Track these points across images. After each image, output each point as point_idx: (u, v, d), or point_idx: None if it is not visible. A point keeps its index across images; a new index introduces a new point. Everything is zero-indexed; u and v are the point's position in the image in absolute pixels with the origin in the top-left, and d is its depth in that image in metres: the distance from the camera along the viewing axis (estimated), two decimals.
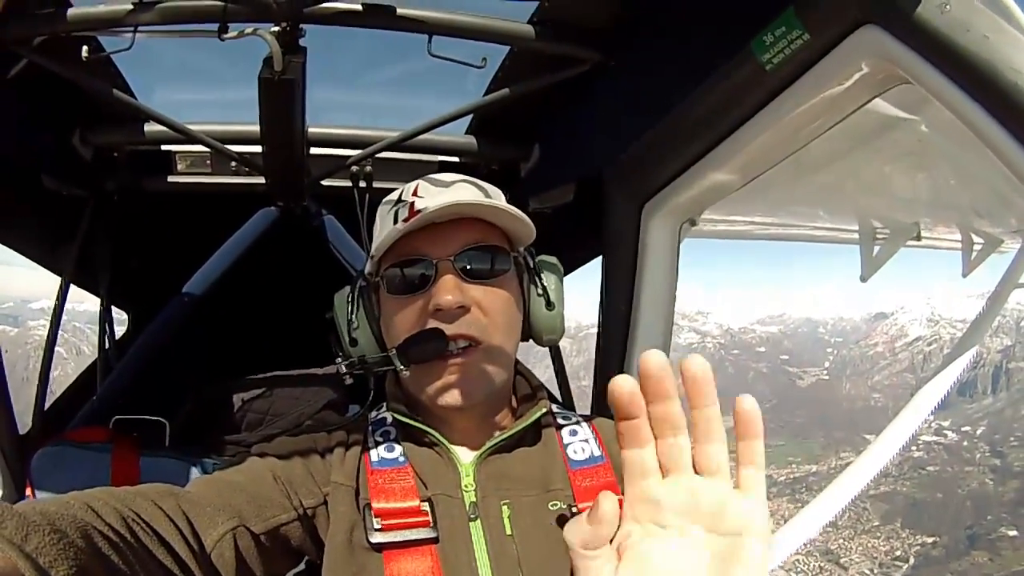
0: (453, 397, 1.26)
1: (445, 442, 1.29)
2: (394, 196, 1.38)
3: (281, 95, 1.80)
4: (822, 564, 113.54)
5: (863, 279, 3.08)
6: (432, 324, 1.24)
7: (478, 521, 1.21)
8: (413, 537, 1.18)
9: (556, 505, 1.26)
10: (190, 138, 2.26)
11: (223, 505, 1.14)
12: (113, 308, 3.02)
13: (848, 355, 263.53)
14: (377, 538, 1.17)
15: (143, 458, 2.23)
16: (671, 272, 2.26)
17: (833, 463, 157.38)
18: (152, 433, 2.36)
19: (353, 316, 1.38)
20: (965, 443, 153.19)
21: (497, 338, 1.29)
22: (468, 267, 1.26)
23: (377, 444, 1.31)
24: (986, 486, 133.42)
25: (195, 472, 2.21)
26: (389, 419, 1.37)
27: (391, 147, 2.35)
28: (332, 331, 1.42)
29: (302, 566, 1.30)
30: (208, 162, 2.59)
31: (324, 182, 2.50)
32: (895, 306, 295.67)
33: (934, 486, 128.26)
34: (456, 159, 2.61)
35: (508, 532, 1.22)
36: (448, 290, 1.22)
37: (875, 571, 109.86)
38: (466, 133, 2.59)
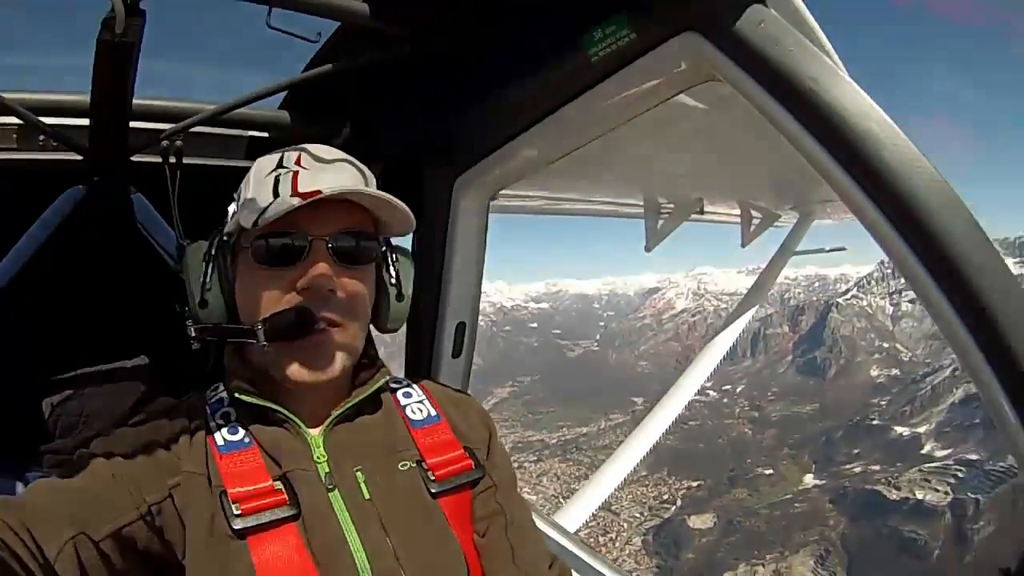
0: (311, 375, 1.27)
1: (293, 417, 1.29)
2: (271, 159, 1.35)
3: (118, 59, 1.72)
4: (595, 512, 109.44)
5: (647, 249, 3.89)
6: (298, 301, 1.24)
7: (336, 491, 1.23)
8: (273, 517, 1.17)
9: (406, 465, 1.33)
10: None
11: (61, 514, 1.09)
12: None
13: (618, 328, 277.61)
14: (239, 524, 1.14)
15: None
16: (480, 244, 2.48)
17: (602, 424, 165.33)
18: None
19: (208, 277, 1.32)
20: (725, 400, 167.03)
21: (356, 322, 1.32)
22: (341, 250, 1.27)
23: (219, 427, 1.28)
24: (745, 435, 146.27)
25: (19, 488, 2.03)
26: (227, 399, 1.33)
27: (205, 121, 2.26)
28: (179, 287, 1.37)
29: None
30: (15, 136, 2.33)
31: (140, 158, 2.34)
32: (663, 281, 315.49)
33: (697, 438, 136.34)
34: (266, 134, 2.53)
35: (367, 496, 1.25)
36: (322, 270, 1.23)
37: (645, 514, 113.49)
38: (279, 108, 2.53)
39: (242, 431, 1.27)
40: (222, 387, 1.37)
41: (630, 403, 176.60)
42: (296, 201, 1.19)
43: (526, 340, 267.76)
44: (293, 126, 2.44)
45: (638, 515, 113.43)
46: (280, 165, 1.32)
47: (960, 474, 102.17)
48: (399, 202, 1.28)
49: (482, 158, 2.27)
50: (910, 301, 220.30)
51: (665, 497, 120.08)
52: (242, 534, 1.14)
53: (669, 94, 1.80)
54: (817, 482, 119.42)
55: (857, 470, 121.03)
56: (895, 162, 1.35)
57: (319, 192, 1.20)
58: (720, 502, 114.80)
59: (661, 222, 3.85)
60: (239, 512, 1.15)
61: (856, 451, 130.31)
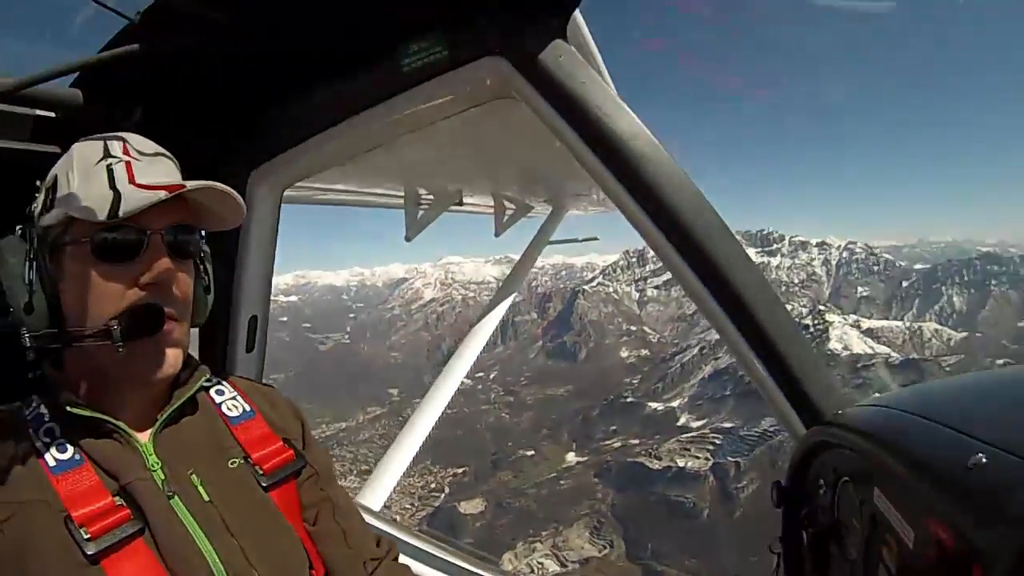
0: (160, 373, 1.23)
1: (121, 425, 1.23)
2: (92, 147, 1.28)
3: None
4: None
5: (407, 239, 4.12)
6: (139, 297, 1.19)
7: (176, 497, 1.19)
8: (123, 535, 1.11)
9: (235, 462, 1.32)
10: None
11: None
12: None
13: (368, 319, 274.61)
14: (91, 548, 1.08)
15: None
16: (272, 237, 2.49)
17: (361, 418, 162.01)
18: None
19: (31, 277, 1.21)
20: (480, 387, 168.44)
21: (187, 316, 1.29)
22: (175, 243, 1.23)
23: (47, 446, 1.18)
24: (503, 420, 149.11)
25: None
26: (47, 413, 1.23)
27: None
28: None
29: None
30: None
31: None
32: (412, 271, 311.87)
33: (456, 426, 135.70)
34: (52, 114, 2.22)
35: (207, 499, 1.22)
36: (167, 264, 1.19)
37: (416, 504, 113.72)
38: (72, 86, 2.23)
39: (71, 448, 1.19)
40: (36, 400, 1.25)
41: (387, 395, 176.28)
42: (163, 194, 1.15)
43: (277, 335, 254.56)
44: (84, 106, 2.13)
45: (409, 506, 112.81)
46: (108, 154, 1.24)
47: (718, 441, 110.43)
48: (238, 196, 1.26)
49: (281, 152, 2.30)
50: (655, 287, 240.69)
51: (433, 486, 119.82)
52: (95, 559, 1.08)
53: (467, 106, 2.09)
54: (579, 459, 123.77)
55: (617, 445, 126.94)
56: (658, 173, 1.77)
57: (170, 185, 1.18)
58: (487, 486, 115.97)
59: (421, 212, 4.12)
60: (88, 536, 1.09)
61: (614, 428, 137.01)
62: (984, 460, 1.03)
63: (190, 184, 1.18)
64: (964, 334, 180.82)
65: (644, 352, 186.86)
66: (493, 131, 2.41)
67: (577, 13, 1.88)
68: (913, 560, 1.18)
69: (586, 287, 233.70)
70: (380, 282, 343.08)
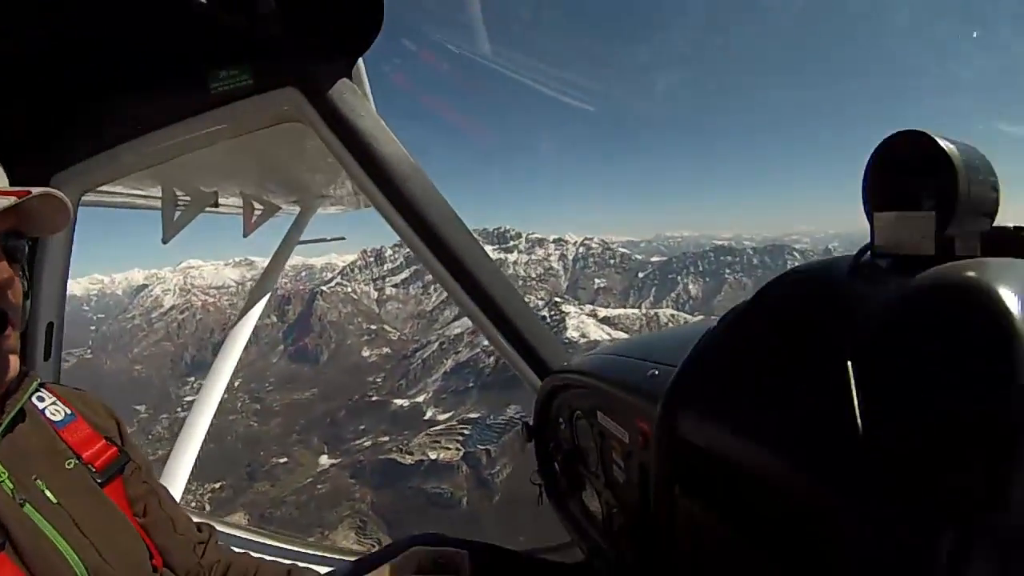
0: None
1: None
2: None
3: None
4: None
5: (164, 241, 4.05)
6: None
7: (27, 504, 1.17)
8: None
9: (71, 463, 1.32)
10: None
11: None
12: None
13: (109, 331, 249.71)
14: None
15: None
16: (68, 242, 2.53)
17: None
18: None
19: None
20: (226, 396, 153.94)
21: (19, 323, 1.24)
22: (9, 249, 1.19)
23: None
24: (253, 428, 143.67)
25: None
26: None
27: None
28: None
29: None
30: None
31: None
32: (151, 277, 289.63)
33: (207, 440, 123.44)
34: None
35: (55, 501, 1.22)
36: (7, 270, 1.16)
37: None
38: None
39: None
40: None
41: (134, 412, 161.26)
42: (13, 200, 1.12)
43: None
44: None
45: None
46: None
47: (466, 431, 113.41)
48: (69, 204, 1.23)
49: (85, 158, 2.36)
50: (393, 286, 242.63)
51: (193, 505, 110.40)
52: None
53: (261, 127, 2.38)
54: (333, 461, 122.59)
55: (368, 444, 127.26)
56: (415, 188, 2.20)
57: (17, 191, 1.14)
58: (246, 498, 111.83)
59: (178, 214, 4.07)
60: None
61: (363, 427, 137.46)
62: (656, 372, 1.47)
63: (35, 191, 1.15)
64: (700, 317, 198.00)
65: (386, 350, 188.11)
66: (257, 138, 2.63)
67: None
68: (631, 449, 1.58)
69: (324, 288, 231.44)
70: (120, 290, 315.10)
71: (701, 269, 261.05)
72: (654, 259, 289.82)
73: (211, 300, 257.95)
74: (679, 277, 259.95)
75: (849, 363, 0.85)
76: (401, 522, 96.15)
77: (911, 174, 0.93)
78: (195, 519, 1.57)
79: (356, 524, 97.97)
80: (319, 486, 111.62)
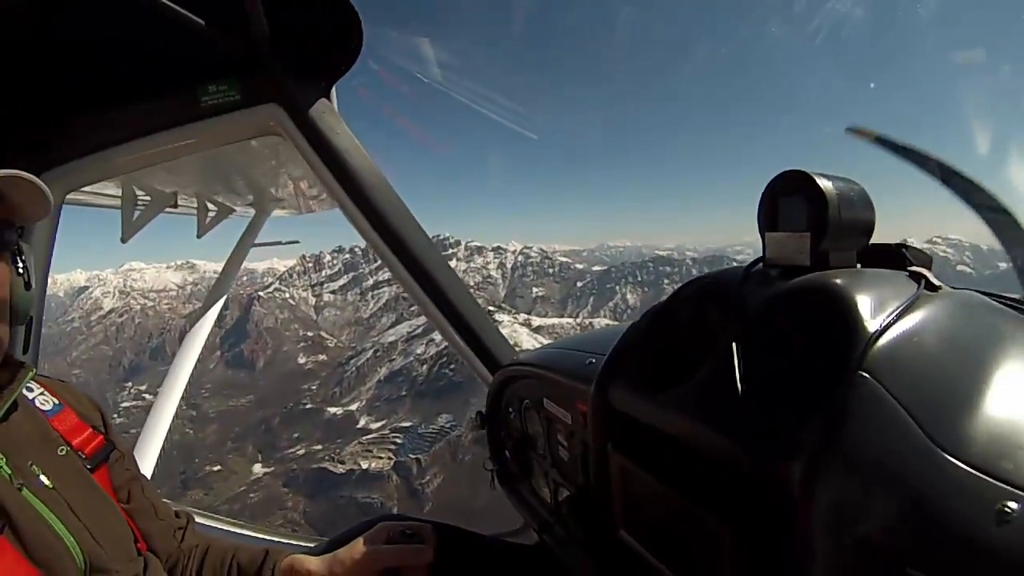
0: None
1: None
2: None
3: None
4: None
5: (123, 240, 3.92)
6: None
7: (24, 488, 1.19)
8: None
9: (63, 449, 1.34)
10: None
11: None
12: None
13: (50, 333, 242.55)
14: None
15: None
16: (51, 240, 2.55)
17: None
18: None
19: None
20: None
21: (5, 314, 1.23)
22: None
23: None
24: (188, 435, 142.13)
25: None
26: None
27: None
28: None
29: None
30: None
31: None
32: (92, 279, 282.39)
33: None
34: None
35: (51, 486, 1.23)
36: None
37: None
38: None
39: None
40: None
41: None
42: None
43: None
44: None
45: None
46: None
47: (398, 440, 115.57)
48: (47, 191, 1.21)
49: (74, 159, 2.45)
50: (331, 292, 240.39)
51: None
52: None
53: (243, 139, 2.53)
54: (267, 470, 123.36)
55: (301, 452, 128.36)
56: (382, 198, 2.34)
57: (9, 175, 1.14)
58: (179, 507, 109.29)
59: (138, 213, 4.00)
60: None
61: (296, 435, 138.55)
62: (593, 360, 1.70)
63: (2, 172, 1.12)
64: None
65: (322, 357, 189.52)
66: (246, 160, 2.90)
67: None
68: (574, 429, 1.80)
69: (262, 293, 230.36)
70: (62, 291, 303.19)
71: (640, 279, 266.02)
72: (595, 268, 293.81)
73: (150, 304, 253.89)
74: (618, 287, 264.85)
75: (734, 344, 1.07)
76: (333, 532, 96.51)
77: (794, 204, 1.15)
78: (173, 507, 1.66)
79: (288, 533, 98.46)
80: (252, 494, 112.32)
